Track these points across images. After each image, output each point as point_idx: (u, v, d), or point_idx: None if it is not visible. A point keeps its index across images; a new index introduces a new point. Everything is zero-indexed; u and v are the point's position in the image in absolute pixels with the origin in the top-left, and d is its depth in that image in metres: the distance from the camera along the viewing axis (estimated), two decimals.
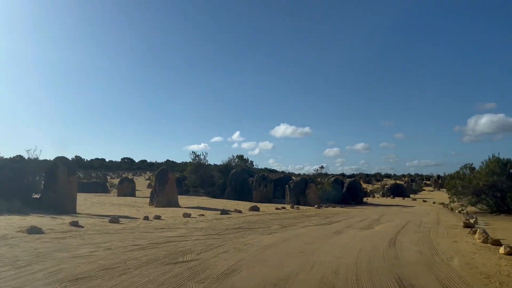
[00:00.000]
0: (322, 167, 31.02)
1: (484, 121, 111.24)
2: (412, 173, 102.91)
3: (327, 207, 24.91)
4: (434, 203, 29.04)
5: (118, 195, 31.30)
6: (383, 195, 41.65)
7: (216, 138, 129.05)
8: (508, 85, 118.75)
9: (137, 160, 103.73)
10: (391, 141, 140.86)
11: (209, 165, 37.16)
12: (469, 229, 12.61)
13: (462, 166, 21.79)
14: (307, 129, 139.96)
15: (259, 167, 52.51)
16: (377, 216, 17.45)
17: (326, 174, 34.60)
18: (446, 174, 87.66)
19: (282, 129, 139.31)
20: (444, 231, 12.25)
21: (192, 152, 40.67)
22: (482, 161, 20.26)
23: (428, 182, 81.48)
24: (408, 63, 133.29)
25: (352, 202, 29.48)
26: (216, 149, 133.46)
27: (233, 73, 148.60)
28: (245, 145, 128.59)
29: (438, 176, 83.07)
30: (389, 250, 8.57)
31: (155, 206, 21.07)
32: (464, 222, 13.69)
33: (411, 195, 42.56)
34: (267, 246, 8.77)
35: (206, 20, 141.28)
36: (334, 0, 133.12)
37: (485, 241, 9.48)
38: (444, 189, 67.45)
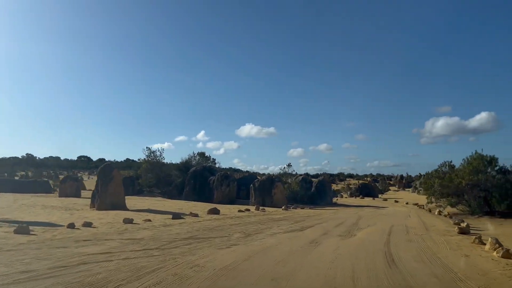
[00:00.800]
0: (289, 165, 28.75)
1: (440, 124, 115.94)
2: (374, 173, 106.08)
3: (295, 209, 22.62)
4: (407, 203, 27.53)
5: (60, 196, 27.41)
6: (351, 195, 40.14)
7: (180, 138, 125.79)
8: (462, 90, 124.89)
9: (94, 159, 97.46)
10: (353, 142, 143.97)
11: (166, 163, 33.88)
12: (468, 236, 10.62)
13: (441, 164, 20.15)
14: (272, 129, 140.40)
15: (223, 166, 49.78)
16: (354, 220, 15.26)
17: (291, 174, 32.38)
18: (408, 174, 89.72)
19: (248, 129, 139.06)
20: (440, 238, 10.12)
21: (147, 148, 37.07)
22: (463, 158, 18.64)
23: (390, 182, 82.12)
24: (370, 67, 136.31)
25: (321, 203, 27.41)
26: (180, 149, 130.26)
27: (199, 72, 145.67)
28: (210, 145, 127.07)
29: (401, 176, 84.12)
30: (391, 271, 6.18)
31: (97, 209, 17.80)
32: (458, 228, 11.68)
33: (380, 195, 41.38)
34: (223, 269, 6.13)
35: (167, 18, 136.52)
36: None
37: (506, 255, 7.34)
38: (410, 189, 67.93)
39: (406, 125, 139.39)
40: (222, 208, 19.91)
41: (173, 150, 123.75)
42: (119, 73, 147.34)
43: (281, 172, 30.10)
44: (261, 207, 21.47)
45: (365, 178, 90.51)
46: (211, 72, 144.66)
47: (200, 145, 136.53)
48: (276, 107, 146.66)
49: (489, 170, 17.43)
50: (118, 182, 18.91)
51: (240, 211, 18.79)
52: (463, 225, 12.49)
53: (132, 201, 22.79)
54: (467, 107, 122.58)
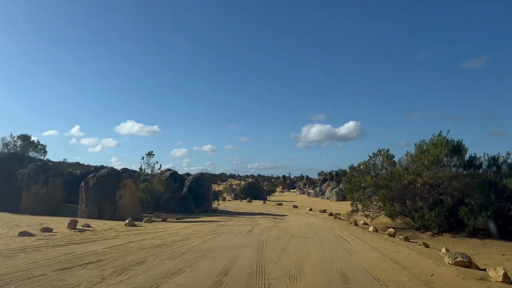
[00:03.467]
0: (150, 154, 19.24)
1: (315, 130, 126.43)
2: (255, 174, 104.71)
3: (151, 222, 13.69)
4: (311, 210, 20.76)
5: None
6: (236, 197, 32.63)
7: (51, 132, 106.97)
8: (334, 100, 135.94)
9: None
10: (236, 144, 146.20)
11: None
12: None
13: (374, 155, 13.54)
14: (155, 127, 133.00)
15: (94, 164, 37.27)
16: (250, 255, 7.02)
17: (156, 173, 22.28)
18: (293, 175, 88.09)
19: (129, 126, 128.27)
20: None
21: None
22: (415, 143, 12.19)
23: (272, 180, 78.99)
24: (256, 72, 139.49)
25: (197, 210, 18.93)
26: (50, 144, 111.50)
27: (73, 59, 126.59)
28: (85, 141, 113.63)
29: (284, 177, 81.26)
30: None
31: None
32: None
33: (268, 197, 34.82)
34: None
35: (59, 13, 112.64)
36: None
37: None
38: (295, 190, 64.14)
39: (285, 130, 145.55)
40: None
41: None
42: None
43: (143, 166, 20.44)
44: (86, 224, 11.87)
45: (246, 179, 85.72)
46: (88, 62, 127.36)
47: (73, 141, 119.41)
48: (161, 104, 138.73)
49: (455, 162, 11.16)
50: None
51: (23, 234, 8.89)
52: (462, 259, 5.36)
53: None
54: (338, 116, 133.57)
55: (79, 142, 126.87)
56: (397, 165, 12.74)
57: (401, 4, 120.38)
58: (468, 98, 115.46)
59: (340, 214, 15.82)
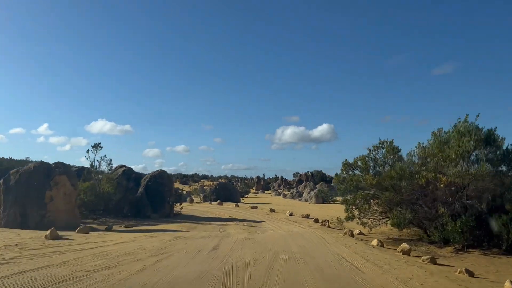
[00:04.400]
0: (97, 146, 15.49)
1: (289, 132, 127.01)
2: (228, 175, 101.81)
3: (87, 232, 10.37)
4: (291, 214, 17.79)
5: None
6: (205, 199, 29.34)
7: (17, 130, 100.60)
8: (308, 103, 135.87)
9: None
10: (211, 144, 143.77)
11: None
12: None
13: (374, 147, 10.76)
14: (127, 126, 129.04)
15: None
16: None
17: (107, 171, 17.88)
18: (267, 177, 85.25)
19: (100, 125, 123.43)
20: None
21: None
22: (432, 132, 9.46)
23: (246, 182, 76.16)
24: (231, 73, 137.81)
25: (155, 214, 15.64)
26: (16, 142, 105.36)
27: (44, 57, 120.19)
28: (53, 140, 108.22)
29: (258, 178, 78.35)
30: None
31: None
32: None
33: (242, 199, 31.72)
34: None
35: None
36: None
37: None
38: (270, 191, 61.22)
39: (260, 131, 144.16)
40: None
41: (7, 144, 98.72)
42: None
43: (92, 161, 16.60)
44: (10, 230, 8.50)
45: (219, 180, 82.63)
46: (56, 58, 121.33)
47: (41, 139, 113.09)
48: (133, 103, 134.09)
49: (487, 155, 8.47)
50: None
51: None
52: None
53: None
54: (312, 118, 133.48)
55: (47, 140, 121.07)
56: (406, 160, 10.02)
57: (374, 9, 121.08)
58: (438, 103, 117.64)
59: (328, 221, 12.96)
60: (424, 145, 9.89)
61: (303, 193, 36.32)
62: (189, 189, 46.89)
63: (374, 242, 9.24)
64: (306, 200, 31.93)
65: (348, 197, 11.06)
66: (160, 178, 16.42)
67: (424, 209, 8.95)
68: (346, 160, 11.20)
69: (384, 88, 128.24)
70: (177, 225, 13.40)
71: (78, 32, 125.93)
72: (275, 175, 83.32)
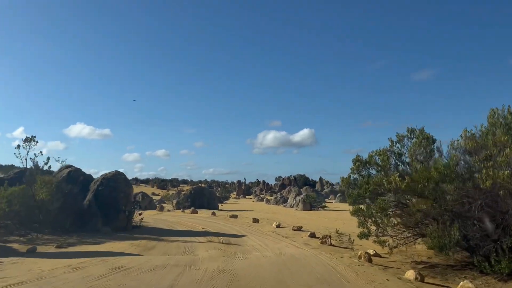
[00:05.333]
0: (32, 138, 11.96)
1: (270, 136, 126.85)
2: (209, 180, 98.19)
3: None
4: (279, 226, 14.49)
5: None
6: (178, 206, 25.90)
7: None
8: (290, 108, 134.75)
9: None
10: (192, 149, 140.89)
11: None
12: None
13: (398, 138, 7.81)
14: (106, 131, 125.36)
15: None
16: None
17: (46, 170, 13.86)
18: (248, 181, 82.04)
19: (78, 129, 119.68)
20: None
21: None
22: (492, 109, 6.59)
23: (225, 187, 72.86)
24: (213, 76, 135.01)
25: (106, 228, 12.23)
26: None
27: (20, 59, 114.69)
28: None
29: (239, 182, 75.11)
30: None
31: None
32: None
33: (220, 205, 28.40)
34: None
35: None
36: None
37: None
38: (251, 196, 57.95)
39: (241, 136, 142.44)
40: None
41: None
42: None
43: (24, 159, 12.72)
44: None
45: (199, 184, 79.11)
46: (33, 60, 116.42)
47: (16, 143, 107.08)
48: (112, 107, 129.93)
49: None
50: None
51: None
52: None
53: None
54: (293, 123, 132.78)
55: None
56: (449, 155, 7.11)
57: (357, 14, 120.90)
58: (416, 108, 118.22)
59: (330, 236, 9.89)
60: (472, 132, 6.99)
61: (287, 198, 33.31)
62: (165, 194, 43.24)
63: (410, 274, 6.20)
64: (291, 206, 28.91)
65: (362, 206, 8.04)
66: (115, 182, 13.00)
67: (487, 225, 6.01)
68: (358, 156, 8.19)
69: (364, 94, 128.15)
70: (130, 243, 10.06)
71: (56, 31, 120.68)
72: (257, 179, 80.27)
